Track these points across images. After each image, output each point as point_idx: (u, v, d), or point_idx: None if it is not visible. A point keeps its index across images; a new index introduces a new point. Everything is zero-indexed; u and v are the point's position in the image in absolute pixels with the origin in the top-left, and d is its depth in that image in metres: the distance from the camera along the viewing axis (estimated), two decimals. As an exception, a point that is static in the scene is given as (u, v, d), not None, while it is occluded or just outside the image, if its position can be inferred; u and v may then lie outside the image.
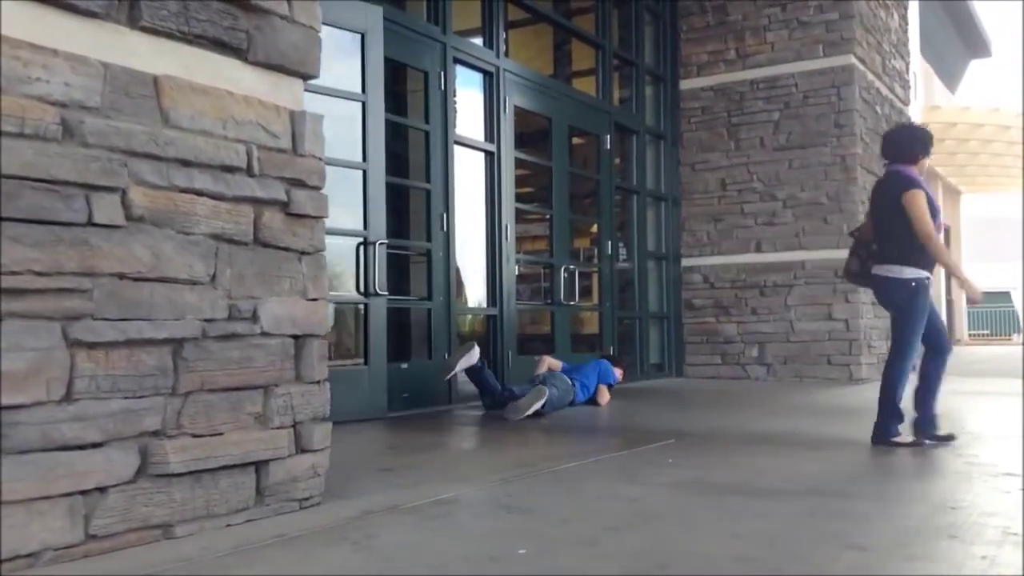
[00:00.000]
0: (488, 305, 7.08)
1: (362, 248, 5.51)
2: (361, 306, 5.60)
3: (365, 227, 5.54)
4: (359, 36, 5.56)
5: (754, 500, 3.01)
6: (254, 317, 2.69)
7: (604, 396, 6.51)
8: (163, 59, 2.51)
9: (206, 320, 2.55)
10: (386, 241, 5.62)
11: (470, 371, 5.83)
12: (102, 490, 2.28)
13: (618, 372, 6.81)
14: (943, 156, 19.12)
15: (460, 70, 6.84)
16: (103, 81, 2.34)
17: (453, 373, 5.79)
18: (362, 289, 5.49)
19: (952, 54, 21.42)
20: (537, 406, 5.54)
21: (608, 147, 8.64)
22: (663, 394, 7.72)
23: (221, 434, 2.57)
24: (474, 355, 5.76)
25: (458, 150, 6.66)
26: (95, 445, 2.26)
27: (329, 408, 2.94)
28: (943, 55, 20.39)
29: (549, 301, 7.90)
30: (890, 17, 10.28)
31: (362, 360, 5.59)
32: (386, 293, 5.59)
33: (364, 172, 5.56)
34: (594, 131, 8.60)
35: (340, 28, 5.31)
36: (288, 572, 2.21)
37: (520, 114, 7.45)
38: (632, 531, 2.60)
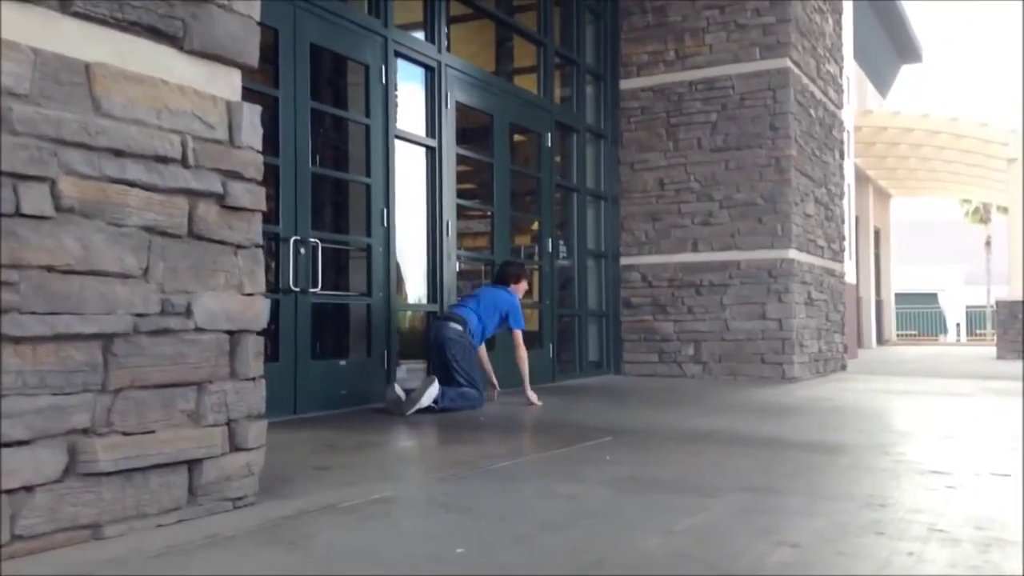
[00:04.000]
0: (428, 301, 7.05)
1: (273, 244, 5.44)
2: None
3: (277, 223, 5.47)
4: (273, 31, 5.47)
5: (689, 497, 3.05)
6: (188, 312, 2.63)
7: (522, 351, 6.37)
8: (95, 46, 2.45)
9: (137, 315, 2.48)
10: (299, 237, 5.54)
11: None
12: (28, 489, 2.21)
13: (520, 288, 6.56)
14: (874, 160, 19.60)
15: (401, 64, 6.79)
16: (33, 68, 2.27)
17: (416, 409, 5.53)
18: (273, 286, 5.41)
19: (884, 59, 21.95)
20: (425, 401, 5.53)
21: (549, 145, 8.67)
22: (601, 391, 7.78)
23: (152, 432, 2.51)
24: (434, 389, 5.61)
25: (399, 145, 6.62)
26: (21, 443, 2.19)
27: (264, 406, 2.90)
28: (875, 60, 20.88)
29: (489, 298, 7.89)
30: (825, 22, 10.49)
31: (274, 359, 5.46)
32: (297, 289, 5.52)
33: (276, 168, 5.48)
34: (535, 129, 8.62)
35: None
36: (221, 573, 2.17)
37: (462, 110, 7.43)
38: (569, 529, 2.61)
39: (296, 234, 5.55)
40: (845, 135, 12.02)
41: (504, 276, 6.61)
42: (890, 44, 21.59)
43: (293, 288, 5.51)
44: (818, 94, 10.06)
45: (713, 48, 9.28)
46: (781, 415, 5.82)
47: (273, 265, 5.46)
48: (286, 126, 5.55)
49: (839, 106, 11.09)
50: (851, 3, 15.33)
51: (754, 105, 9.06)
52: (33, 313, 2.23)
